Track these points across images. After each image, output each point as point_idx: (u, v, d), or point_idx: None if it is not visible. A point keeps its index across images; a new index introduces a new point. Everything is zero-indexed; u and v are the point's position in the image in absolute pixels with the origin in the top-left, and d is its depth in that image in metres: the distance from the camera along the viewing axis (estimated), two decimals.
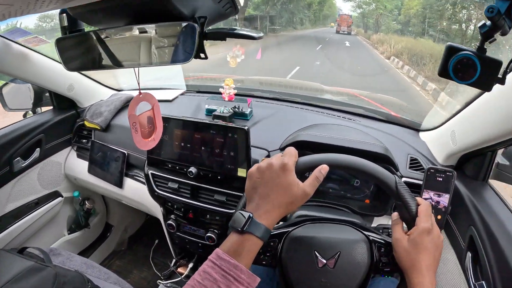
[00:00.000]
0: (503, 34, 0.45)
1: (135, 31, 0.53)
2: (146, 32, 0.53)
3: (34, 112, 1.33)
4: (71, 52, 0.59)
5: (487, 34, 0.45)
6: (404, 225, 0.62)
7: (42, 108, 1.36)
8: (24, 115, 1.34)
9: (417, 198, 0.61)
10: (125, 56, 0.56)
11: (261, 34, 0.58)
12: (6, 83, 1.26)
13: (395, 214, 0.63)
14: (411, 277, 0.55)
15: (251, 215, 0.53)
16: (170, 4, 0.46)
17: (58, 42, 0.57)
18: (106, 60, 0.57)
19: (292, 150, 0.59)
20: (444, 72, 0.51)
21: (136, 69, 0.59)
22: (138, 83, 0.62)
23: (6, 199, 1.19)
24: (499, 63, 0.48)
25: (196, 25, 0.50)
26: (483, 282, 0.68)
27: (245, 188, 0.58)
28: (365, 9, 22.83)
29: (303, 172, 0.59)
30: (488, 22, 0.44)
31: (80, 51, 0.59)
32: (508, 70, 0.50)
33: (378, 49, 14.30)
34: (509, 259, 0.62)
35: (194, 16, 0.52)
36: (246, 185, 0.58)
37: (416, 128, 1.12)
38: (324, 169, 0.58)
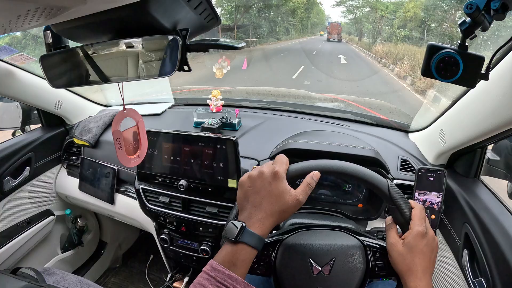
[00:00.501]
0: (484, 30, 0.45)
1: (122, 46, 0.52)
2: (132, 46, 0.52)
3: (23, 131, 1.32)
4: (56, 69, 0.59)
5: (467, 31, 0.46)
6: (399, 228, 0.62)
7: (31, 126, 1.35)
8: (13, 134, 1.33)
9: (410, 201, 0.61)
10: (112, 71, 0.56)
11: (243, 44, 0.58)
12: None
13: (388, 219, 0.63)
14: (407, 281, 0.54)
15: (243, 224, 0.52)
16: (151, 17, 0.46)
17: (43, 59, 0.56)
18: (92, 76, 0.57)
19: (283, 158, 0.59)
20: (427, 72, 0.52)
21: (120, 84, 0.59)
22: (122, 98, 0.62)
23: None
24: (482, 59, 0.48)
25: (178, 37, 0.50)
26: (482, 278, 0.68)
27: (236, 197, 0.58)
28: (358, 14, 21.32)
29: (294, 179, 0.58)
30: (468, 19, 0.45)
31: (65, 68, 0.59)
32: (491, 66, 0.50)
33: (391, 68, 9.81)
34: (506, 253, 0.62)
35: (176, 28, 0.52)
36: (238, 194, 0.57)
37: (405, 130, 1.13)
38: (315, 175, 0.58)
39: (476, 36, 0.47)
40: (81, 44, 0.57)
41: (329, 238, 0.66)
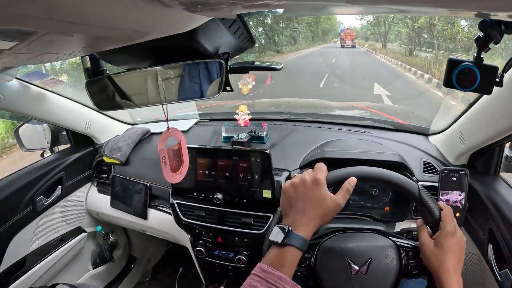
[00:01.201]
0: (496, 43, 0.50)
1: (165, 70, 0.56)
2: (187, 68, 0.56)
3: (52, 151, 1.37)
4: (101, 93, 0.63)
5: (482, 45, 0.51)
6: (429, 229, 0.66)
7: (59, 146, 1.40)
8: (42, 155, 1.37)
9: (439, 203, 0.65)
10: (156, 93, 0.59)
11: (282, 65, 0.63)
12: (22, 124, 1.30)
13: (419, 221, 0.67)
14: (440, 277, 0.58)
15: (290, 228, 0.56)
16: (197, 43, 0.50)
17: (89, 85, 0.61)
18: (135, 98, 0.61)
19: (322, 166, 0.63)
20: (448, 83, 0.57)
21: (164, 106, 0.62)
22: (167, 119, 0.65)
23: (31, 238, 1.21)
24: (496, 69, 0.54)
25: (222, 61, 0.55)
26: (507, 270, 0.72)
27: (280, 203, 0.62)
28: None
29: (333, 186, 0.62)
30: (482, 34, 0.50)
31: (110, 91, 0.62)
32: (504, 73, 0.55)
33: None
34: None
35: (218, 52, 0.56)
36: (281, 200, 0.62)
37: (425, 133, 1.17)
38: (353, 181, 0.62)
39: (490, 49, 0.52)
40: (126, 68, 0.60)
41: (364, 240, 0.70)
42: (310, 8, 0.41)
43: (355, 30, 21.85)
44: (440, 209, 0.64)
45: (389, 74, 9.15)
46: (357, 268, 0.65)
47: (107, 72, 0.63)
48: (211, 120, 1.44)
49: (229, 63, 0.59)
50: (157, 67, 0.56)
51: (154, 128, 1.38)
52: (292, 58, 15.08)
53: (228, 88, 0.60)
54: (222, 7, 0.33)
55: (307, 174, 0.61)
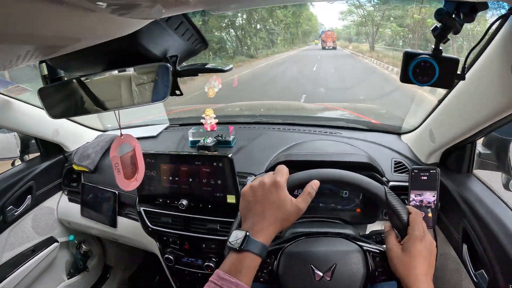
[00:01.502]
0: (456, 33, 0.48)
1: (116, 75, 0.55)
2: (126, 75, 0.55)
3: (22, 160, 1.34)
4: (54, 100, 0.61)
5: (440, 36, 0.48)
6: (397, 233, 0.64)
7: (29, 155, 1.37)
8: (12, 163, 1.35)
9: (408, 206, 0.63)
10: (108, 99, 0.58)
11: (231, 66, 0.61)
12: None
13: (387, 225, 0.65)
14: (408, 285, 0.56)
15: (247, 233, 0.54)
16: (142, 47, 0.49)
17: (41, 91, 0.59)
18: (89, 105, 0.59)
19: (283, 168, 0.61)
20: (405, 78, 0.54)
21: (116, 111, 0.61)
22: (119, 125, 0.64)
23: (2, 249, 1.18)
24: (456, 61, 0.51)
25: (168, 64, 0.53)
26: (482, 270, 0.70)
27: (239, 207, 0.60)
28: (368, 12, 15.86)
29: (294, 189, 0.61)
30: (439, 24, 0.47)
31: (63, 98, 0.61)
32: (465, 66, 0.52)
33: None
34: (503, 243, 0.64)
35: (166, 56, 0.55)
36: (240, 204, 0.60)
37: (397, 132, 1.15)
38: (315, 184, 0.60)
39: (449, 39, 0.49)
40: (79, 75, 0.59)
41: (329, 244, 0.68)
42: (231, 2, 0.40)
43: (336, 31, 21.86)
44: (409, 213, 0.62)
45: (401, 95, 5.98)
46: (321, 274, 0.63)
47: (65, 79, 0.62)
48: (181, 125, 1.42)
49: (177, 67, 0.58)
50: (105, 73, 0.55)
51: (132, 135, 1.35)
52: (261, 66, 12.42)
53: (177, 92, 0.58)
54: (141, 8, 0.32)
55: (267, 176, 0.59)
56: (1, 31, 0.24)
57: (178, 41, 0.56)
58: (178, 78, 0.59)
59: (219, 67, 0.59)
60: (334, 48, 20.51)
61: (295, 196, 0.58)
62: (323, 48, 20.49)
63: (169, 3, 0.32)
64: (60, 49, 0.40)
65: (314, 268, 0.63)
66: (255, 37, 17.21)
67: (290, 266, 0.65)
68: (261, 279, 0.66)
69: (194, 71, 0.61)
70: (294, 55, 17.07)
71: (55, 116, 0.65)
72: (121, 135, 0.64)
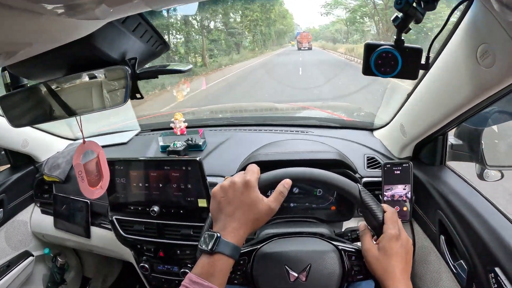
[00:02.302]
0: (417, 22, 0.46)
1: (76, 80, 0.53)
2: (89, 79, 0.53)
3: None
4: (17, 109, 0.59)
5: (401, 25, 0.47)
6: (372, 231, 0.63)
7: (0, 167, 1.32)
8: None
9: (382, 204, 0.62)
10: (69, 105, 0.56)
11: (190, 66, 0.60)
12: None
13: (362, 225, 0.64)
14: (386, 284, 0.55)
15: (218, 234, 0.53)
16: (98, 50, 0.48)
17: (2, 100, 0.56)
18: (52, 111, 0.57)
19: (254, 167, 0.60)
20: (367, 70, 0.52)
21: (79, 117, 0.59)
22: (81, 131, 0.63)
23: None
24: (420, 50, 0.50)
25: (126, 67, 0.52)
26: (461, 261, 0.70)
27: (210, 208, 0.58)
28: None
29: (266, 188, 0.59)
30: (400, 14, 0.46)
31: (26, 106, 0.59)
32: (429, 55, 0.52)
33: None
34: (479, 232, 0.64)
35: (125, 58, 0.53)
36: (211, 205, 0.58)
37: (369, 128, 1.16)
38: (287, 183, 0.59)
39: (410, 29, 0.48)
40: (39, 82, 0.57)
41: (303, 244, 0.67)
42: None
43: (314, 31, 22.34)
44: (384, 211, 0.61)
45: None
46: (296, 274, 0.62)
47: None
48: (152, 130, 1.40)
49: (137, 70, 0.56)
50: (66, 79, 0.54)
51: (97, 142, 1.32)
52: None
53: (137, 95, 0.57)
54: (86, 9, 0.31)
55: (238, 176, 0.58)
56: None
57: (137, 43, 0.54)
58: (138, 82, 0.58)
59: (178, 68, 0.58)
60: (310, 48, 20.97)
61: (267, 196, 0.57)
62: (299, 48, 20.88)
63: (112, 1, 0.32)
64: (13, 55, 0.39)
65: (288, 268, 0.62)
66: (212, 42, 12.45)
67: (264, 267, 0.64)
68: (235, 281, 0.65)
69: (153, 73, 0.59)
70: (264, 63, 12.68)
71: (18, 125, 0.62)
72: (84, 141, 0.62)
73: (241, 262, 0.65)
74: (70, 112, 0.57)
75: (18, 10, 0.25)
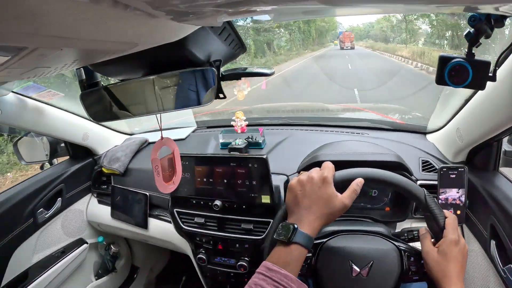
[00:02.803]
0: (487, 37, 0.50)
1: (159, 79, 0.56)
2: (168, 79, 0.57)
3: (51, 164, 1.37)
4: (99, 105, 0.63)
5: (472, 40, 0.51)
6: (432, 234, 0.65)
7: (58, 159, 1.40)
8: (41, 167, 1.38)
9: (444, 211, 0.64)
10: (151, 102, 0.59)
11: (273, 70, 0.63)
12: (20, 137, 1.30)
13: (422, 229, 0.67)
14: (443, 286, 0.58)
15: (296, 225, 0.55)
16: (189, 52, 0.51)
17: (83, 97, 0.61)
18: (134, 108, 0.61)
19: (329, 165, 0.63)
20: (441, 80, 0.56)
21: (158, 115, 0.63)
22: (161, 129, 0.66)
23: (33, 250, 1.21)
24: (488, 64, 0.54)
25: (214, 69, 0.55)
26: (511, 265, 0.71)
27: (285, 200, 0.62)
28: None
29: (340, 185, 0.62)
30: (472, 30, 0.50)
31: (105, 103, 0.62)
32: (496, 68, 0.55)
33: None
34: None
35: (209, 60, 0.57)
36: (287, 197, 0.61)
37: (422, 132, 1.17)
38: (360, 182, 0.62)
39: (481, 44, 0.52)
40: (120, 79, 0.61)
41: (366, 242, 0.70)
42: (301, 12, 0.42)
43: (357, 29, 21.50)
44: (445, 217, 0.63)
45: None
46: (358, 270, 0.65)
47: (102, 83, 0.63)
48: (208, 127, 1.44)
49: (221, 70, 0.60)
50: (151, 77, 0.56)
51: (152, 137, 1.38)
52: None
53: (221, 95, 0.60)
54: (207, 15, 0.33)
55: (315, 172, 0.61)
56: (72, 36, 0.25)
57: (221, 46, 0.58)
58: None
59: (261, 71, 0.61)
60: (352, 48, 20.35)
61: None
62: (341, 48, 20.24)
63: (235, 9, 0.32)
64: (119, 53, 0.42)
65: (352, 264, 0.65)
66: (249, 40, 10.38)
67: (329, 261, 0.67)
68: (299, 272, 0.68)
69: (237, 75, 0.63)
70: (298, 69, 10.53)
71: (98, 119, 0.67)
72: (162, 138, 0.65)
73: (307, 255, 0.68)
74: (149, 110, 0.60)
75: (134, 11, 0.25)
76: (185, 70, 0.55)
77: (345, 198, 0.59)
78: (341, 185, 0.63)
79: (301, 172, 0.65)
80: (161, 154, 0.66)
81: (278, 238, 0.56)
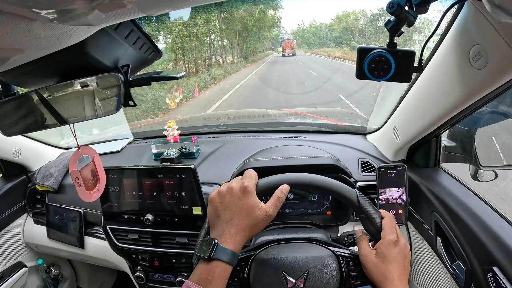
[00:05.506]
0: (410, 25, 0.46)
1: (77, 86, 0.53)
2: (73, 84, 0.52)
3: None
4: (9, 117, 0.58)
5: (393, 29, 0.47)
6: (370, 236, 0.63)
7: None
8: None
9: (380, 210, 0.62)
10: (62, 113, 0.56)
11: (183, 73, 0.60)
12: None
13: (359, 231, 0.64)
14: None
15: (216, 241, 0.52)
16: (90, 57, 0.47)
17: None
18: (44, 119, 0.56)
19: (251, 173, 0.59)
20: (361, 74, 0.52)
21: (72, 125, 0.58)
22: (75, 138, 0.62)
23: None
24: (412, 53, 0.50)
25: (119, 74, 0.51)
26: (459, 261, 0.70)
27: (207, 214, 0.58)
28: None
29: (264, 194, 0.59)
30: (392, 18, 0.46)
31: (18, 114, 0.57)
32: (422, 58, 0.52)
33: None
34: (476, 232, 0.64)
35: (117, 65, 0.53)
36: (208, 210, 0.57)
37: (362, 132, 1.16)
38: (285, 189, 0.58)
39: (403, 32, 0.48)
40: (31, 89, 0.56)
41: (301, 250, 0.66)
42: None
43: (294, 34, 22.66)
44: (382, 217, 0.61)
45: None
46: (294, 281, 0.61)
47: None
48: (145, 138, 1.39)
49: (129, 77, 0.55)
50: (53, 86, 0.53)
51: (90, 146, 1.30)
52: None
53: (131, 103, 0.56)
54: (77, 12, 0.31)
55: (235, 181, 0.57)
56: None
57: (130, 50, 0.54)
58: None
59: (171, 75, 0.58)
60: (293, 54, 21.32)
61: (264, 202, 0.57)
62: (283, 55, 21.08)
63: (105, 7, 0.31)
64: (4, 61, 0.38)
65: (286, 275, 0.61)
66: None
67: (262, 273, 0.63)
68: (232, 287, 0.64)
69: (146, 80, 0.59)
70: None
71: (10, 133, 0.62)
72: (79, 147, 0.62)
73: (238, 268, 0.64)
74: (62, 121, 0.56)
75: (9, 15, 0.24)
76: (87, 78, 0.51)
77: (269, 207, 0.55)
78: (266, 194, 0.60)
79: (223, 182, 0.60)
80: (81, 165, 0.63)
81: (198, 255, 0.52)
